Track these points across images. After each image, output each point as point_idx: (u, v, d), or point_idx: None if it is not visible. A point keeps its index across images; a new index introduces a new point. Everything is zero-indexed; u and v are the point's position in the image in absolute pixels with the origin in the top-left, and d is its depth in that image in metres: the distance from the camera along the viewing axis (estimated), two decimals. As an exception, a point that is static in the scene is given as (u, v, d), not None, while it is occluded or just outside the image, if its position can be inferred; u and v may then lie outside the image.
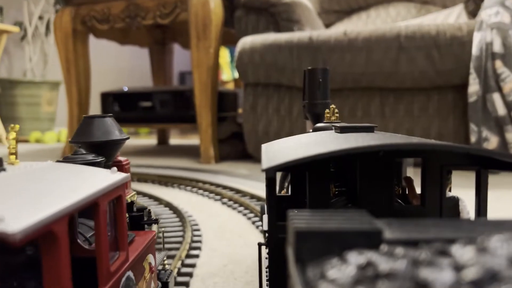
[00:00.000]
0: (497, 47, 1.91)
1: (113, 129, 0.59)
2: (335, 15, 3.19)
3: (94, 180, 0.43)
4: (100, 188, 0.40)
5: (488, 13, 1.95)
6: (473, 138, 1.96)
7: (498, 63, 1.91)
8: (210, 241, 1.08)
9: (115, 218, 0.47)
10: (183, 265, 0.91)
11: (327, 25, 3.10)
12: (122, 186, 0.47)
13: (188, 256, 0.97)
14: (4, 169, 0.41)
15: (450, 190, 0.54)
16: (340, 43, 2.10)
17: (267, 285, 0.49)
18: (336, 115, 0.75)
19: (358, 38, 2.07)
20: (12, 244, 0.27)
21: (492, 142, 1.95)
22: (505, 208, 1.38)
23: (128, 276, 0.47)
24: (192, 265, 0.92)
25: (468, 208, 0.52)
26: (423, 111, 2.10)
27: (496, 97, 1.92)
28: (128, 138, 0.61)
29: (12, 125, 0.45)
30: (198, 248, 1.02)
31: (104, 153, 0.56)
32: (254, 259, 0.94)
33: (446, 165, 0.49)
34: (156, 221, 0.62)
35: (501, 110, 1.92)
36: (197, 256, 0.97)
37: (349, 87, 2.18)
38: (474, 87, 1.94)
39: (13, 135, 0.45)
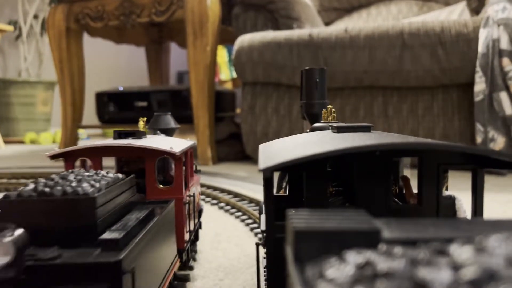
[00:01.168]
0: (504, 44, 1.84)
1: (171, 121, 1.01)
2: (335, 13, 3.12)
3: (183, 143, 0.86)
4: (188, 146, 0.85)
5: (495, 8, 1.88)
6: (479, 139, 1.89)
7: (506, 61, 1.84)
8: (205, 251, 1.02)
9: (190, 162, 0.91)
10: (176, 278, 0.85)
11: (327, 23, 3.03)
12: (192, 148, 0.91)
13: (182, 268, 0.90)
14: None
15: (446, 189, 0.55)
16: (341, 40, 2.03)
17: (265, 285, 0.50)
18: (334, 115, 0.75)
19: (360, 35, 2.00)
20: (175, 158, 0.75)
21: (498, 143, 1.88)
22: (517, 213, 1.31)
23: (195, 191, 0.92)
24: (186, 279, 0.85)
25: (465, 207, 0.52)
26: (428, 110, 2.03)
27: (503, 96, 1.86)
28: (179, 127, 1.03)
29: (141, 117, 0.91)
30: (192, 259, 0.95)
31: (168, 134, 0.98)
32: (251, 272, 0.88)
33: (443, 164, 0.49)
34: (200, 171, 1.05)
35: (508, 109, 1.85)
36: (190, 268, 0.91)
37: (351, 86, 2.11)
38: (480, 85, 1.87)
39: (142, 121, 0.91)
